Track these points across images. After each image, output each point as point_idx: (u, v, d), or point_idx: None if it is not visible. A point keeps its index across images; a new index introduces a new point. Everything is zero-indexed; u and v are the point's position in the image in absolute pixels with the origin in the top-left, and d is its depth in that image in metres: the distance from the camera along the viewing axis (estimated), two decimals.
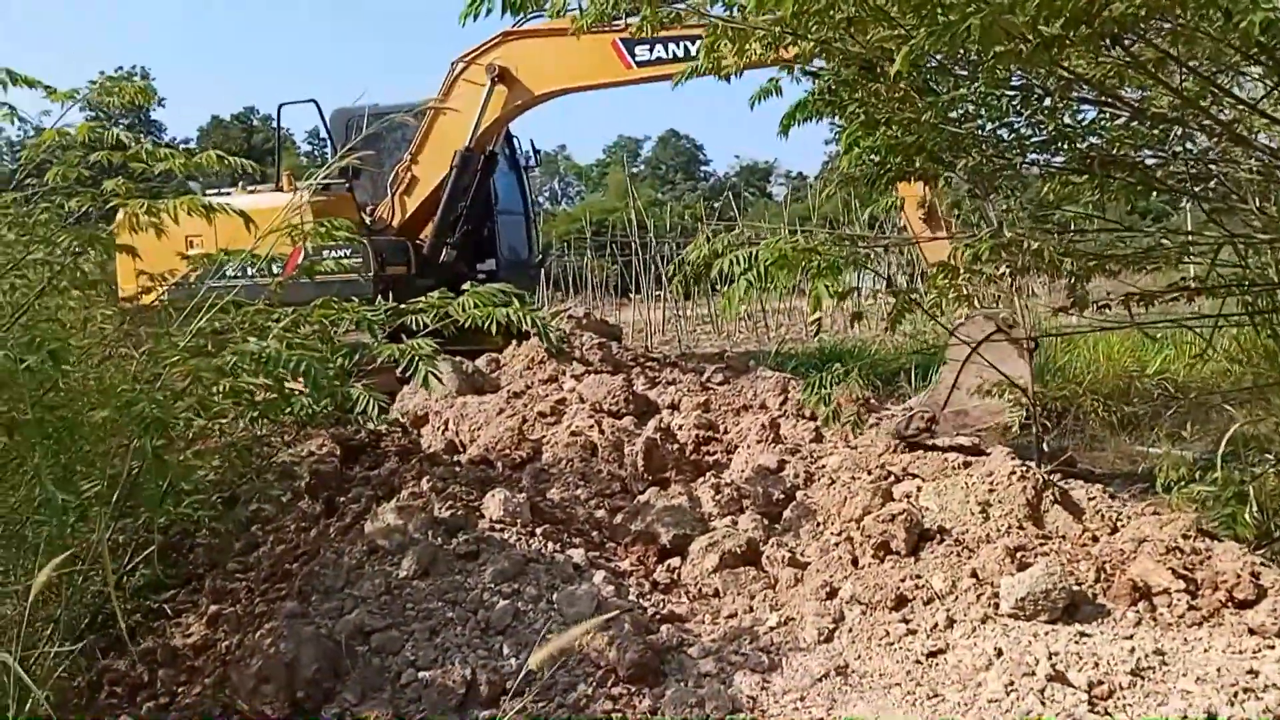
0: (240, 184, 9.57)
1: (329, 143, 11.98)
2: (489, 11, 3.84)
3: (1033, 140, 4.29)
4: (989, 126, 4.19)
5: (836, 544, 3.87)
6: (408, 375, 3.62)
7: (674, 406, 6.44)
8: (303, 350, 3.07)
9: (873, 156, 4.34)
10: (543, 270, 12.06)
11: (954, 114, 4.19)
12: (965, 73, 3.94)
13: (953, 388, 5.11)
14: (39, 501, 3.12)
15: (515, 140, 11.43)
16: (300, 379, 3.25)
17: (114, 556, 3.56)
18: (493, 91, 9.06)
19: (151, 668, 3.60)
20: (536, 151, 12.20)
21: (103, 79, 4.28)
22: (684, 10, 3.67)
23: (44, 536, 3.23)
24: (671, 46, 8.28)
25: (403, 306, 3.77)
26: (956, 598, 3.44)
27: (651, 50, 8.47)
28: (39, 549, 3.23)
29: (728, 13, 3.70)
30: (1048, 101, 4.00)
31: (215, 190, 9.30)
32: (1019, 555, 3.59)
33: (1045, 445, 5.46)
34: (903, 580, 3.54)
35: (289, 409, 3.72)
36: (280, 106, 10.63)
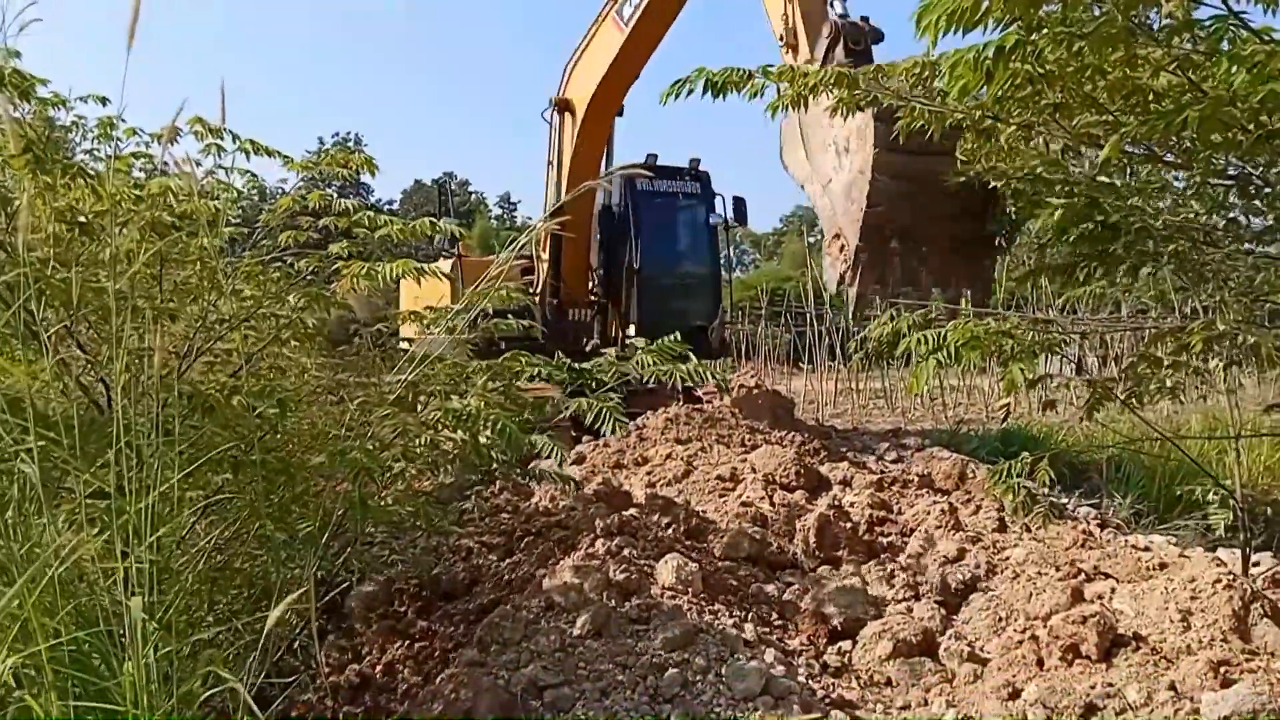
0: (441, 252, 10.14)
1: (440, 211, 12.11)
2: (690, 92, 4.00)
3: (1249, 229, 4.08)
4: (1201, 216, 4.02)
5: (1020, 642, 3.70)
6: (585, 430, 3.75)
7: (846, 483, 6.35)
8: (500, 409, 3.24)
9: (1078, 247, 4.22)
10: (721, 337, 11.32)
11: (1162, 204, 4.05)
12: (1176, 159, 3.81)
13: None
14: (253, 535, 3.40)
15: (720, 199, 10.91)
16: (492, 433, 3.44)
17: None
18: (563, 126, 8.85)
19: (337, 701, 3.81)
20: (740, 210, 11.20)
21: (332, 149, 4.68)
22: (881, 94, 3.71)
23: (254, 569, 3.50)
24: None
25: (583, 366, 3.92)
26: (1152, 710, 3.22)
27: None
28: (251, 580, 3.51)
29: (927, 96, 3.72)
30: (1267, 190, 3.81)
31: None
32: (1222, 670, 3.33)
33: (1253, 552, 5.06)
34: (1093, 687, 3.34)
35: (480, 460, 3.92)
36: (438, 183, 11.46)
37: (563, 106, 8.91)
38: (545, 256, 9.62)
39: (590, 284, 9.91)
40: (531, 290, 9.48)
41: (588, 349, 9.43)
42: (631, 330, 9.70)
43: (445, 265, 9.10)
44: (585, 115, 8.83)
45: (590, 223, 9.64)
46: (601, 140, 9.38)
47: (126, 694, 1.76)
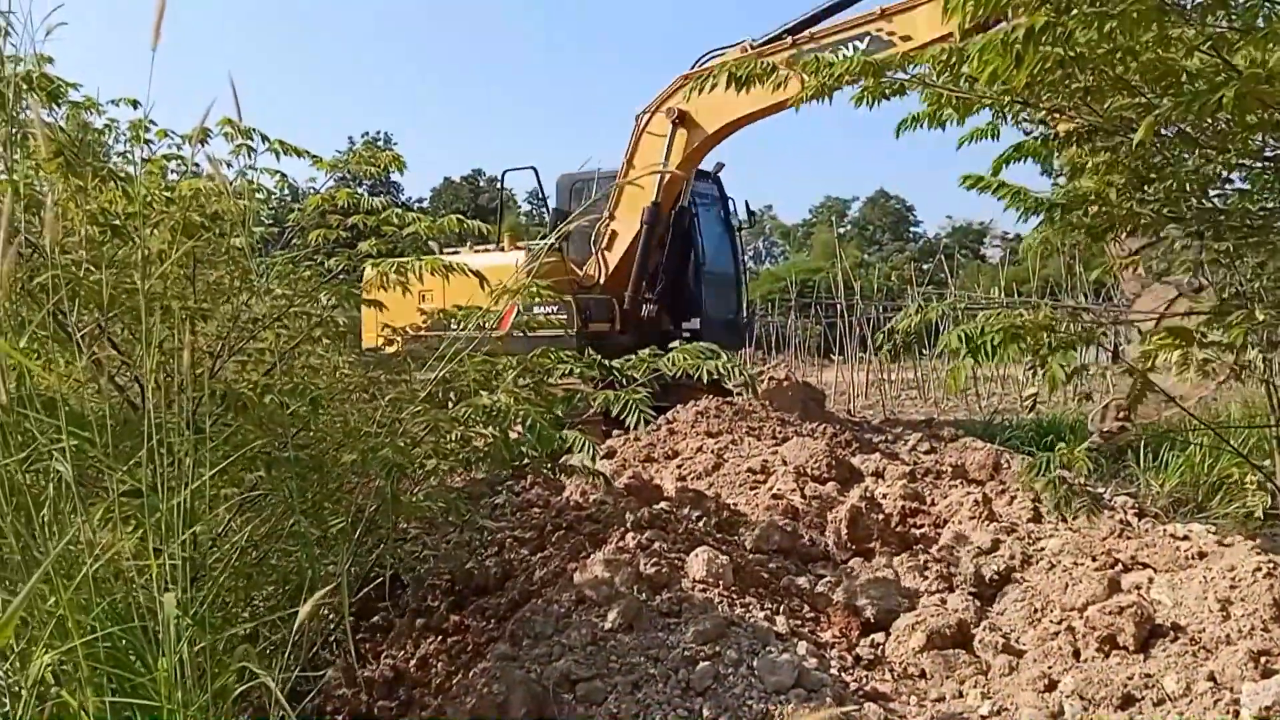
0: (469, 244, 10.17)
1: (547, 205, 12.55)
2: (714, 87, 3.97)
3: None
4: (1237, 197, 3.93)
5: (1056, 633, 3.66)
6: (616, 421, 3.75)
7: (878, 474, 6.31)
8: (529, 404, 3.25)
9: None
10: (750, 330, 12.11)
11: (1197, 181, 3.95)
12: (1213, 141, 3.72)
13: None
14: (288, 532, 3.44)
15: (731, 201, 11.49)
16: (523, 429, 3.45)
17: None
18: (674, 137, 9.00)
19: (371, 695, 3.84)
20: (751, 214, 12.30)
21: (360, 148, 4.69)
22: (907, 81, 3.65)
23: (289, 565, 3.54)
24: (842, 50, 8.07)
25: (613, 363, 3.92)
26: (1191, 701, 3.17)
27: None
28: (285, 576, 3.55)
29: (954, 83, 3.66)
30: None
31: (451, 250, 9.93)
32: (1263, 660, 3.28)
33: None
34: (1130, 678, 3.30)
35: (510, 456, 3.93)
36: (504, 172, 11.65)
37: (680, 118, 8.98)
38: (610, 254, 9.79)
39: (656, 280, 10.13)
40: (587, 286, 9.65)
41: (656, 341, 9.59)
42: (696, 323, 10.21)
43: (498, 259, 9.14)
44: (716, 132, 8.97)
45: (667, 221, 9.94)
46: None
47: (161, 689, 1.78)
